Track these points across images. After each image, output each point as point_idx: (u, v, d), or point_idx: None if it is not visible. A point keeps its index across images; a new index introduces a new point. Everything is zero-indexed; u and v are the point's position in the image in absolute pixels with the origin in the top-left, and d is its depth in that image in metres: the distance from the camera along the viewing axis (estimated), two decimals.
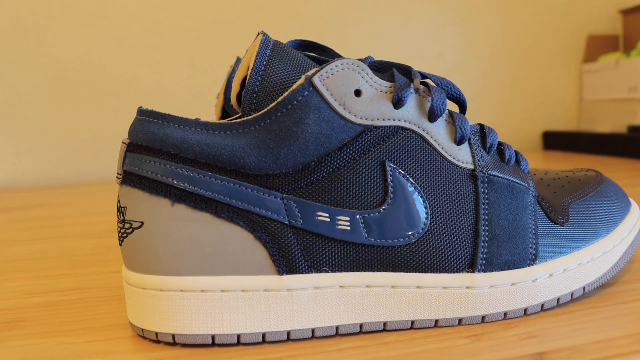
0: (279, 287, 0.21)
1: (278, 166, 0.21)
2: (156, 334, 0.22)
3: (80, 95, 0.79)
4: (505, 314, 0.23)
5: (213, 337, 0.21)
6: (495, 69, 0.87)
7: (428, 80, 0.27)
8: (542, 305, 0.24)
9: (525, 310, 0.23)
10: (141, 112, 0.22)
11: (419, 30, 0.84)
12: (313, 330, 0.22)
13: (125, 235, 0.22)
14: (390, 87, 0.22)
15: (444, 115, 0.23)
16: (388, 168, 0.22)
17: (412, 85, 0.22)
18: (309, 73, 0.21)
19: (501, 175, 0.24)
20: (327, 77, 0.21)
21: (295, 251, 0.21)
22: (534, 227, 0.24)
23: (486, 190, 0.23)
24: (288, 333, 0.22)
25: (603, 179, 0.29)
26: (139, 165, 0.21)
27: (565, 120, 0.93)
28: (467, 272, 0.23)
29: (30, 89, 0.78)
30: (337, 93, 0.21)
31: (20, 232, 0.44)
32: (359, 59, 0.24)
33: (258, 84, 0.22)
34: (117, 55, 0.80)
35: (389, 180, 0.22)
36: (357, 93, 0.21)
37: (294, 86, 0.21)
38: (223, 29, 0.81)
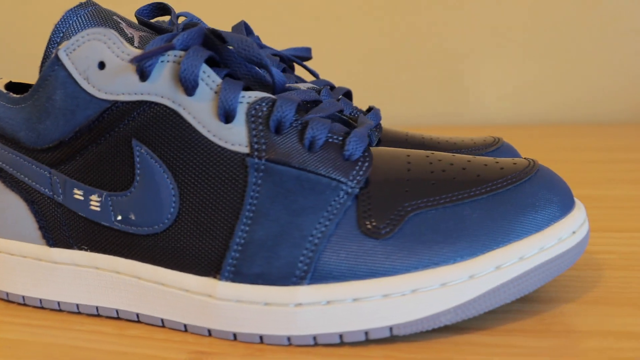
0: (48, 259, 0.22)
1: (41, 141, 0.21)
2: None
3: None
4: (261, 337, 0.19)
5: (7, 294, 0.23)
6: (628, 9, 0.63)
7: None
8: (315, 338, 0.18)
9: (289, 339, 0.18)
10: None
11: None
12: (78, 306, 0.22)
13: None
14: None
15: (213, 86, 0.19)
16: (135, 148, 0.20)
17: (162, 52, 0.19)
18: (60, 46, 0.20)
19: (290, 163, 0.19)
20: (74, 50, 0.20)
21: (62, 225, 0.21)
22: (320, 235, 0.18)
23: (259, 182, 0.19)
24: (59, 304, 0.22)
25: (525, 176, 0.19)
26: None
27: None
28: (213, 277, 0.19)
29: None
30: (81, 66, 0.20)
31: None
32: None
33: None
34: None
35: (136, 161, 0.20)
36: (102, 65, 0.20)
37: (49, 61, 0.21)
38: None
